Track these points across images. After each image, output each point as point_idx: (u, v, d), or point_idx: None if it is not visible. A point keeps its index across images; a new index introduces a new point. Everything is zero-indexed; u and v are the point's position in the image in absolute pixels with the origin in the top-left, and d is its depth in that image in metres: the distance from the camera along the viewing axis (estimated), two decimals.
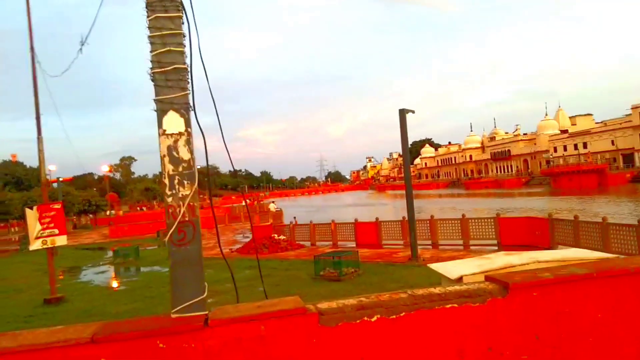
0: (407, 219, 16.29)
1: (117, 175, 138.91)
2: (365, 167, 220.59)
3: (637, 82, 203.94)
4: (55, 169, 66.36)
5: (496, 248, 15.76)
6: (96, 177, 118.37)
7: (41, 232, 12.28)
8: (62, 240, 12.60)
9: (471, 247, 16.24)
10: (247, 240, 22.19)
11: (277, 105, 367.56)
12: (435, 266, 5.39)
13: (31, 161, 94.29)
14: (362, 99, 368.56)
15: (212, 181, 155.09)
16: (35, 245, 12.24)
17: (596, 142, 78.66)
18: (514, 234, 15.54)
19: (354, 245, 18.73)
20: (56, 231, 12.42)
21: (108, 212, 67.10)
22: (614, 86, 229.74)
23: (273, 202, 43.10)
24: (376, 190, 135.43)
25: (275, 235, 19.28)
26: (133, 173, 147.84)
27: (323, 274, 12.47)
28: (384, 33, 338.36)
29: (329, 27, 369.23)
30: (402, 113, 13.86)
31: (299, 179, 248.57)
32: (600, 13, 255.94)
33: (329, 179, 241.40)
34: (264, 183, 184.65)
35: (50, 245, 12.41)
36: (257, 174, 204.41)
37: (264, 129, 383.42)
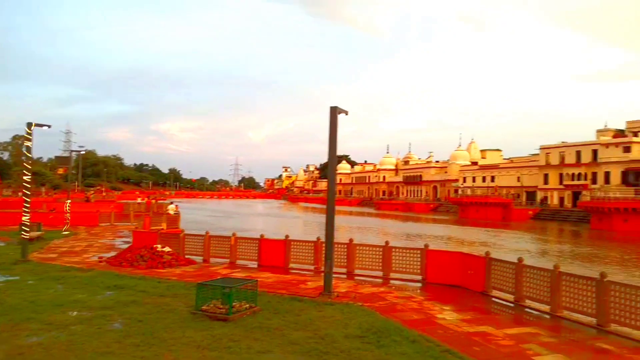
0: (322, 240, 13.57)
1: (6, 155, 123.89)
2: (280, 176, 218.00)
3: (537, 127, 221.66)
4: None
5: (420, 285, 13.48)
6: None
7: None
8: None
9: (392, 282, 13.81)
10: (128, 246, 18.29)
11: (197, 102, 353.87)
12: None
13: None
14: (285, 108, 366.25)
15: (113, 173, 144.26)
16: None
17: (503, 177, 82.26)
18: (443, 270, 13.33)
19: (256, 266, 15.65)
20: None
21: None
22: (519, 128, 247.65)
23: (172, 202, 38.67)
24: (289, 200, 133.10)
25: (159, 245, 15.63)
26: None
27: (207, 308, 9.26)
28: (313, 48, 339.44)
29: (258, 32, 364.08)
30: (334, 112, 11.16)
31: (210, 180, 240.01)
32: (513, 60, 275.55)
33: (242, 184, 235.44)
34: (171, 181, 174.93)
35: None
36: (166, 170, 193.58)
37: (181, 124, 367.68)
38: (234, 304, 9.12)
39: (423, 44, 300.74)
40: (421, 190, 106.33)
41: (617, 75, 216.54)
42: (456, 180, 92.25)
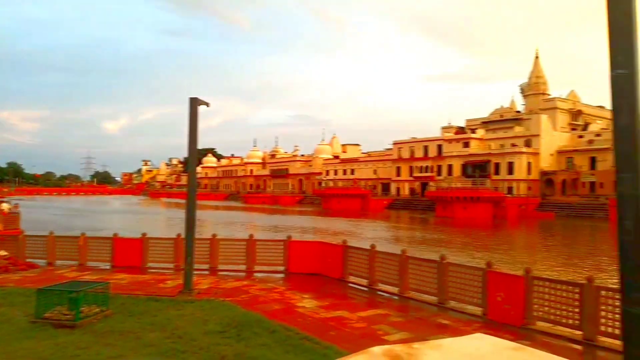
0: (183, 236, 13.11)
1: None
2: (140, 170, 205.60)
3: (392, 123, 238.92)
4: None
5: (283, 276, 13.77)
6: None
7: None
8: None
9: (255, 275, 13.89)
10: None
11: (43, 89, 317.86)
12: None
13: None
14: (145, 97, 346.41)
15: None
16: None
17: (362, 170, 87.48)
18: (305, 260, 13.75)
19: (110, 268, 14.61)
20: None
21: None
22: (376, 124, 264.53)
23: (4, 201, 34.20)
24: (149, 196, 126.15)
25: None
26: None
27: (50, 315, 8.41)
28: (176, 36, 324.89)
29: (114, 15, 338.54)
30: (194, 103, 10.82)
31: (58, 175, 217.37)
32: (370, 57, 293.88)
33: (95, 180, 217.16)
34: (11, 176, 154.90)
35: None
36: (4, 164, 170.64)
37: (23, 113, 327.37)
38: (82, 308, 8.42)
39: (286, 39, 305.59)
40: (288, 184, 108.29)
41: (459, 78, 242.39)
42: (320, 174, 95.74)
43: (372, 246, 12.22)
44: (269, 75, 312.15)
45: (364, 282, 12.19)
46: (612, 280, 14.03)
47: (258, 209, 69.27)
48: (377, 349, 3.19)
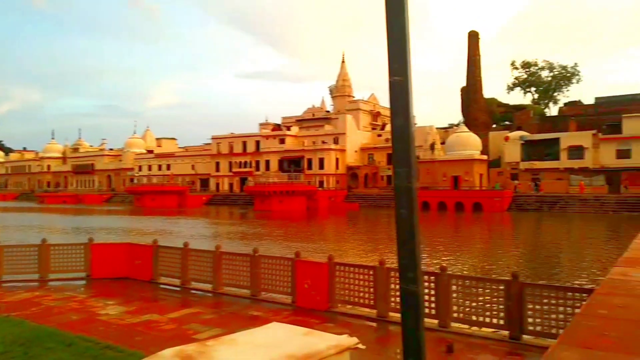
0: None
1: None
2: None
3: (211, 118, 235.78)
4: None
5: (84, 282, 12.53)
6: None
7: None
8: None
9: (50, 284, 12.37)
10: None
11: None
12: None
13: None
14: None
15: None
16: None
17: (179, 165, 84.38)
18: (110, 263, 12.69)
19: None
20: None
21: None
22: (193, 118, 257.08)
23: None
24: None
25: None
26: None
27: None
28: None
29: None
30: None
31: None
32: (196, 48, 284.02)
33: None
34: None
35: None
36: None
37: None
38: None
39: (90, 22, 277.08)
40: (94, 180, 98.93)
41: (276, 76, 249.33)
42: (132, 169, 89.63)
43: (186, 244, 11.88)
44: (69, 61, 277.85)
45: (177, 282, 11.79)
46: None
47: (58, 210, 61.79)
48: (167, 352, 3.10)
